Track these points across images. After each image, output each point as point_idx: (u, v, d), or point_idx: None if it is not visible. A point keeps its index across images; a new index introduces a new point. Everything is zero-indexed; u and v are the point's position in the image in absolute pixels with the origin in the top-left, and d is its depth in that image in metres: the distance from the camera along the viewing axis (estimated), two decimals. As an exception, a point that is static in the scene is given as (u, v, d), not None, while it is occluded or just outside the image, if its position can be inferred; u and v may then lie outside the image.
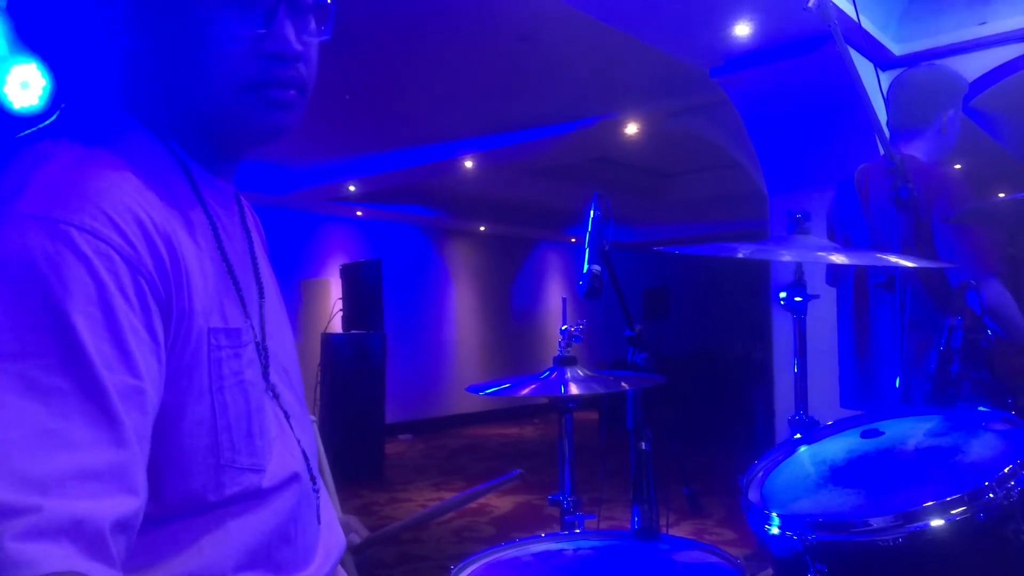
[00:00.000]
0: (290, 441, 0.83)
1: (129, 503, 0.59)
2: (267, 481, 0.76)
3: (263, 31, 0.74)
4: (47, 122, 0.76)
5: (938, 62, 2.57)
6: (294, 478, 0.81)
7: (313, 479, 0.87)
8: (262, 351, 0.81)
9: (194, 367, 0.70)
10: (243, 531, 0.74)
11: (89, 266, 0.61)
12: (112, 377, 0.60)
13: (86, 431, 0.58)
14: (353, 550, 1.08)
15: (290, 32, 0.75)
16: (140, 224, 0.66)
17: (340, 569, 0.95)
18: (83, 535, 0.55)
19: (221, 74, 0.73)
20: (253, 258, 0.87)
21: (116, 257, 0.63)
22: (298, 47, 0.76)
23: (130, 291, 0.63)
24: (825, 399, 2.37)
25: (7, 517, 0.53)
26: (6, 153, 0.72)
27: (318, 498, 0.88)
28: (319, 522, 0.88)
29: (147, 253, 0.66)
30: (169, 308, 0.68)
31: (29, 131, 0.75)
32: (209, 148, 0.80)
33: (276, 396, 0.83)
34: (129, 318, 0.63)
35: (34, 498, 0.54)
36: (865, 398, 2.28)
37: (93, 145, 0.71)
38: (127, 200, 0.66)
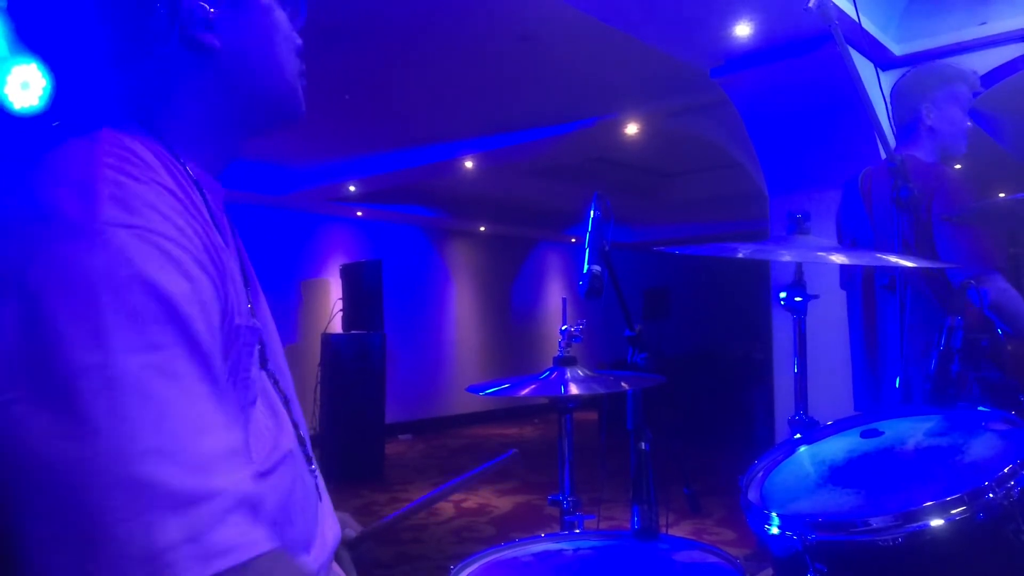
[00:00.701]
0: (284, 423, 0.84)
1: (254, 472, 0.65)
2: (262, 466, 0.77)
3: (295, 32, 0.88)
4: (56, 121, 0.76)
5: (936, 61, 2.56)
6: (288, 456, 0.82)
7: (309, 459, 0.89)
8: (259, 341, 0.82)
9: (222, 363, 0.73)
10: None
11: (182, 269, 0.65)
12: (219, 364, 0.66)
13: (218, 413, 0.62)
14: (349, 545, 1.09)
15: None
16: (195, 230, 0.69)
17: (337, 567, 0.96)
18: (253, 509, 0.60)
19: (291, 67, 0.86)
20: (239, 250, 0.89)
21: (193, 263, 0.67)
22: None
23: (210, 293, 0.68)
24: (825, 399, 2.38)
25: (195, 504, 0.56)
26: (30, 149, 0.72)
27: (315, 476, 0.90)
28: (320, 499, 0.90)
29: (207, 257, 0.69)
30: (225, 307, 0.71)
31: (47, 126, 0.75)
32: (221, 145, 0.84)
33: (276, 381, 0.86)
34: (213, 318, 0.68)
35: (210, 481, 0.58)
36: (876, 400, 2.28)
37: (130, 147, 0.72)
38: (182, 208, 0.70)
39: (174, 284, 0.63)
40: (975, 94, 2.34)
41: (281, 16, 0.85)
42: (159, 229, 0.65)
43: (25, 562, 0.57)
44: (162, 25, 0.76)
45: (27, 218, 0.64)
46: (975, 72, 2.41)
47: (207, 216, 0.75)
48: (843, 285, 2.44)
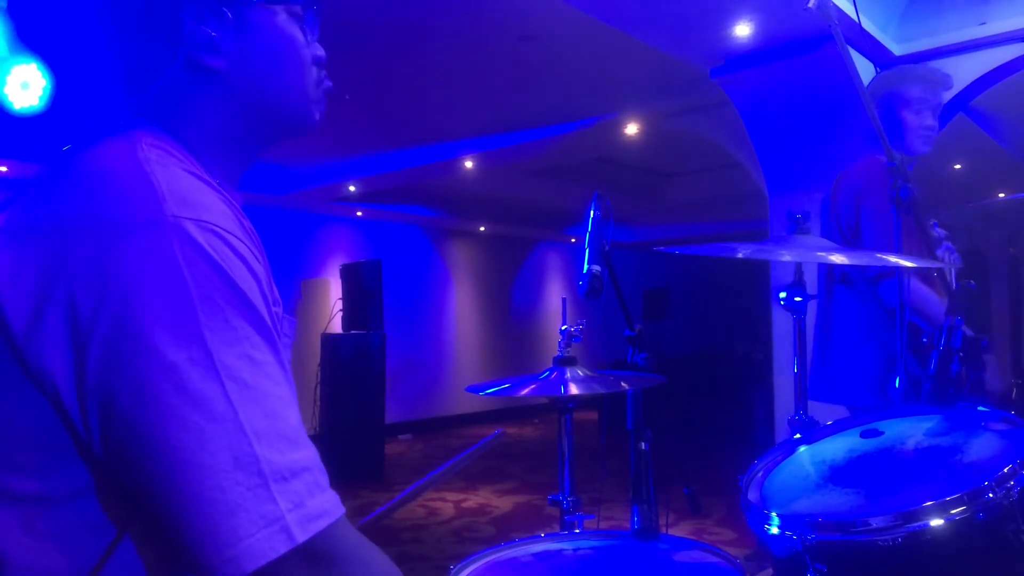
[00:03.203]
0: None
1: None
2: None
3: (310, 40, 0.89)
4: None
5: (931, 63, 2.56)
6: None
7: None
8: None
9: None
10: None
11: (244, 261, 0.70)
12: (281, 348, 0.72)
13: (288, 390, 0.70)
14: None
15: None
16: (240, 223, 0.74)
17: None
18: (325, 474, 0.69)
19: (304, 78, 0.87)
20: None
21: (252, 254, 0.72)
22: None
23: (265, 281, 0.73)
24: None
25: (296, 476, 0.66)
26: (66, 153, 0.75)
27: None
28: None
29: (257, 249, 0.74)
30: (272, 295, 0.77)
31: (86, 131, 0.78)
32: (236, 155, 0.86)
33: None
34: (270, 304, 0.73)
35: (301, 454, 0.67)
36: (826, 391, 2.31)
37: (164, 146, 0.76)
38: (224, 203, 0.73)
39: (242, 275, 0.69)
40: (986, 74, 2.35)
41: (292, 30, 0.85)
42: (218, 221, 0.69)
43: (157, 532, 0.65)
44: (166, 50, 0.78)
45: (95, 216, 0.67)
46: (944, 73, 2.43)
47: (242, 215, 0.78)
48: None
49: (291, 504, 0.65)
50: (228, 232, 0.69)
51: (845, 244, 2.16)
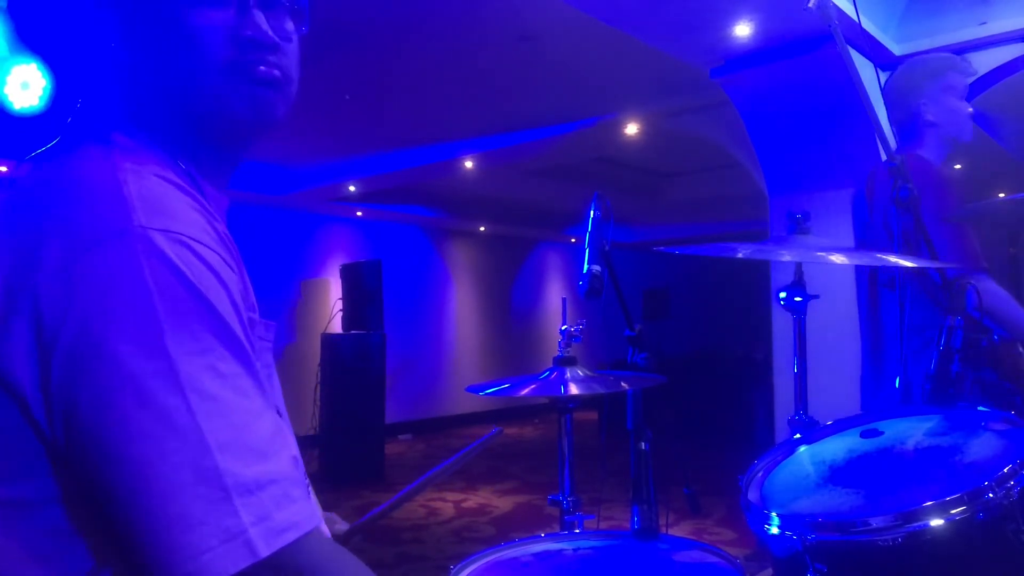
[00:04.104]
0: (289, 434, 0.85)
1: (290, 449, 0.71)
2: None
3: (237, 22, 0.78)
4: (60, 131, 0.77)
5: (920, 56, 2.52)
6: (295, 460, 0.83)
7: (304, 476, 0.89)
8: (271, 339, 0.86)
9: None
10: None
11: (213, 271, 0.69)
12: (252, 356, 0.71)
13: (258, 401, 0.69)
14: (340, 540, 1.09)
15: (263, 23, 0.79)
16: (215, 230, 0.73)
17: None
18: (298, 485, 0.68)
19: (203, 62, 0.76)
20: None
21: (223, 263, 0.71)
22: (273, 37, 0.79)
23: (236, 291, 0.72)
24: (825, 399, 2.37)
25: (262, 488, 0.64)
26: (43, 156, 0.75)
27: (308, 487, 0.90)
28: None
29: (229, 256, 0.73)
30: (245, 302, 0.75)
31: (57, 139, 0.76)
32: (210, 155, 0.82)
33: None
34: (242, 314, 0.72)
35: (268, 466, 0.66)
36: (877, 399, 2.28)
37: (142, 152, 0.75)
38: (200, 211, 0.72)
39: (211, 286, 0.67)
40: (987, 74, 2.32)
41: (195, 8, 0.76)
42: (187, 231, 0.68)
43: (117, 544, 0.64)
44: (82, 42, 0.78)
45: (64, 225, 0.66)
46: (964, 58, 2.40)
47: (217, 218, 0.76)
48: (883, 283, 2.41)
49: (255, 517, 0.63)
50: (198, 242, 0.68)
51: (891, 243, 2.10)
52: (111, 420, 0.62)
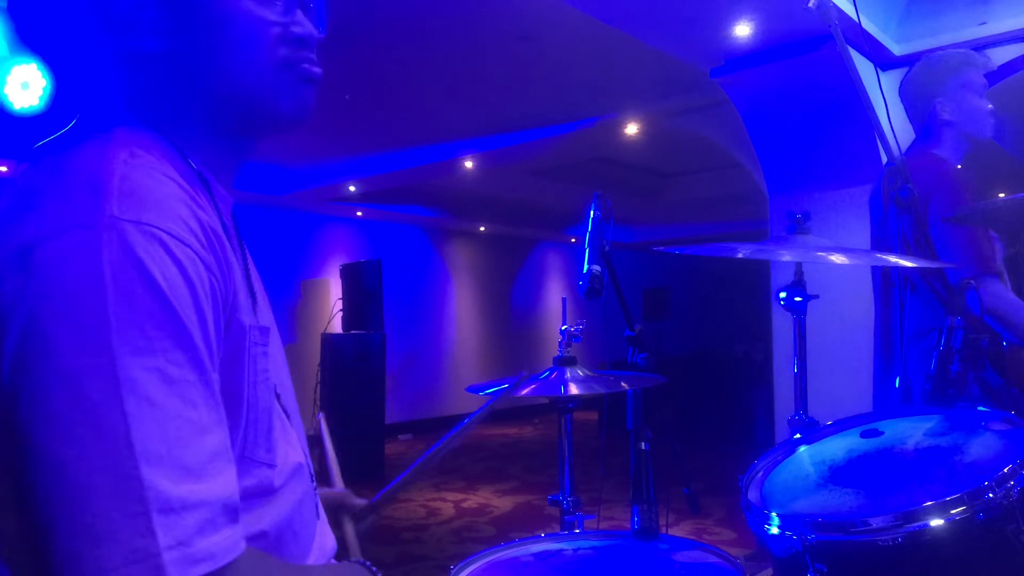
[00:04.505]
0: (292, 437, 0.84)
1: (234, 473, 0.66)
2: (278, 479, 0.78)
3: (287, 20, 0.81)
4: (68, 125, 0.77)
5: (937, 52, 2.50)
6: (298, 469, 0.82)
7: (311, 476, 0.88)
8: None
9: (234, 362, 0.73)
10: (252, 525, 0.75)
11: (182, 270, 0.65)
12: (211, 366, 0.67)
13: (208, 414, 0.64)
14: (355, 517, 1.09)
15: (306, 22, 0.83)
16: (201, 225, 0.70)
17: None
18: (229, 512, 0.63)
19: (260, 58, 0.79)
20: (247, 262, 0.88)
21: (198, 261, 0.67)
22: (317, 36, 0.84)
23: (207, 292, 0.68)
24: (825, 399, 2.38)
25: (185, 510, 0.59)
26: (50, 151, 0.73)
27: (316, 495, 0.90)
28: (318, 517, 0.89)
29: (211, 254, 0.70)
30: (226, 304, 0.72)
31: (58, 132, 0.76)
32: (224, 153, 0.82)
33: (278, 396, 0.84)
34: (210, 317, 0.68)
35: (199, 488, 0.61)
36: (885, 398, 2.27)
37: (141, 144, 0.73)
38: (188, 204, 0.70)
39: (175, 285, 0.64)
40: (988, 74, 2.30)
41: (252, 5, 0.78)
42: (163, 225, 0.65)
43: (31, 545, 0.59)
44: (99, 36, 0.75)
45: (37, 212, 0.65)
46: (982, 52, 2.37)
47: (217, 217, 0.75)
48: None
49: (173, 540, 0.58)
50: (173, 237, 0.65)
51: (908, 244, 2.08)
52: (42, 416, 0.58)
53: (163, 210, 0.66)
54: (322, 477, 1.07)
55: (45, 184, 0.68)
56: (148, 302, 0.62)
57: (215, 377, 0.67)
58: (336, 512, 1.07)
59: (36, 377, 0.59)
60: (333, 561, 0.92)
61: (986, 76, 2.34)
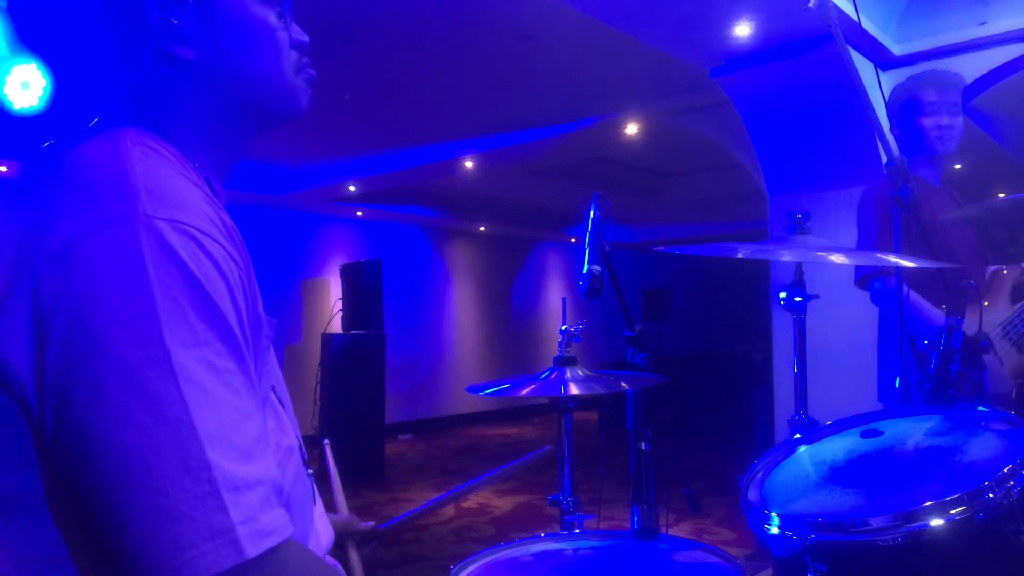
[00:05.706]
0: (286, 425, 0.86)
1: (273, 456, 0.70)
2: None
3: (288, 26, 0.86)
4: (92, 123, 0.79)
5: (929, 64, 2.61)
6: (289, 450, 0.84)
7: (306, 463, 0.89)
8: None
9: (254, 353, 0.75)
10: None
11: (216, 264, 0.68)
12: (249, 354, 0.70)
13: (249, 401, 0.67)
14: (358, 542, 1.09)
15: (299, 28, 0.88)
16: (221, 221, 0.72)
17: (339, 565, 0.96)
18: (278, 492, 0.67)
19: (282, 63, 0.85)
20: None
21: (228, 256, 0.70)
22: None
23: (238, 285, 0.71)
24: (825, 399, 2.38)
25: (249, 488, 0.63)
26: (52, 149, 0.74)
27: (311, 480, 0.91)
28: (314, 502, 0.91)
29: (235, 249, 0.72)
30: (246, 296, 0.73)
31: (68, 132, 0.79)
32: (223, 152, 0.85)
33: (272, 387, 0.86)
34: (243, 309, 0.71)
35: (255, 467, 0.64)
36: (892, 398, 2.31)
37: (152, 144, 0.75)
38: (207, 201, 0.72)
39: (212, 279, 0.66)
40: (988, 74, 2.41)
41: (264, 13, 0.83)
42: (193, 222, 0.67)
43: (99, 536, 0.61)
44: (133, 42, 0.77)
45: (69, 209, 0.66)
46: (945, 70, 2.49)
47: (224, 213, 0.76)
48: (857, 283, 2.44)
49: (244, 516, 0.61)
50: (203, 234, 0.68)
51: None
52: (101, 407, 0.60)
53: (190, 208, 0.69)
54: (327, 503, 1.07)
55: (64, 184, 0.68)
56: (190, 296, 0.64)
57: (251, 366, 0.70)
58: (341, 538, 1.08)
59: (91, 371, 0.61)
60: (328, 557, 0.93)
61: (984, 77, 2.38)
